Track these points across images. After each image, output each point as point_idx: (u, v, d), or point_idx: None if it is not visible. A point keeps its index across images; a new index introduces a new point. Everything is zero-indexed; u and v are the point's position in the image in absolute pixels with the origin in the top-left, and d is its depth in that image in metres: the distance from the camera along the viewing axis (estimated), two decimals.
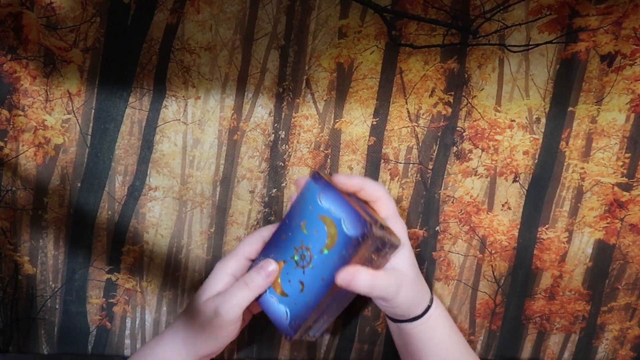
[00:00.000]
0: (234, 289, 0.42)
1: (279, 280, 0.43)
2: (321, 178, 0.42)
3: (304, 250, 0.42)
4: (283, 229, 0.43)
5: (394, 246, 0.41)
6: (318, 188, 0.41)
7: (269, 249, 0.44)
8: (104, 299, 0.54)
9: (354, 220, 0.39)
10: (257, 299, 0.44)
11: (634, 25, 0.48)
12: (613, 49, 0.49)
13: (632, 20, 0.48)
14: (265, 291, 0.43)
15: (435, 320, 0.46)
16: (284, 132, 0.51)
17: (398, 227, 0.43)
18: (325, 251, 0.40)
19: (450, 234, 0.53)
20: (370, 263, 0.40)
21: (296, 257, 0.42)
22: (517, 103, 0.50)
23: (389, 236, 0.40)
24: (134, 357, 0.45)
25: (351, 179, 0.42)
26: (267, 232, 0.44)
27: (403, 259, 0.43)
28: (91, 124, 0.49)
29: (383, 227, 0.40)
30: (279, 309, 0.43)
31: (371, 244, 0.39)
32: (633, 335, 0.57)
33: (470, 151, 0.51)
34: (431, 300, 0.46)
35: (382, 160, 0.51)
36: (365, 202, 0.44)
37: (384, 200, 0.43)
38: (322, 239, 0.41)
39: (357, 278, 0.39)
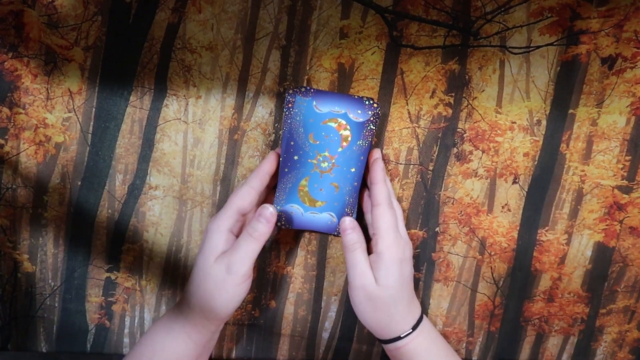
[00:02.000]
0: (240, 243, 0.42)
1: (311, 195, 0.46)
2: (309, 89, 0.45)
3: (323, 157, 0.45)
4: (291, 152, 0.45)
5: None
6: (310, 99, 0.44)
7: (284, 179, 0.46)
8: (103, 298, 0.54)
9: (360, 107, 0.44)
10: (292, 224, 0.47)
11: (635, 28, 0.48)
12: (614, 52, 0.49)
13: (633, 23, 0.48)
14: (302, 212, 0.46)
15: (423, 339, 0.45)
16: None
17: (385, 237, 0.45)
18: (345, 146, 0.44)
19: (450, 235, 0.53)
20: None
21: (319, 166, 0.45)
22: (517, 105, 0.50)
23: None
24: (132, 354, 0.45)
25: (377, 165, 0.46)
26: (255, 180, 0.45)
27: (387, 274, 0.43)
28: (92, 123, 0.49)
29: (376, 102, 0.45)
30: (323, 218, 0.46)
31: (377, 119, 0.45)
32: (632, 338, 0.57)
33: (471, 152, 0.51)
34: (419, 320, 0.45)
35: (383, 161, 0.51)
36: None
37: (383, 209, 0.45)
38: (336, 139, 0.45)
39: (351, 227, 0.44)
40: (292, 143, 0.45)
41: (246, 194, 0.44)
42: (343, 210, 0.47)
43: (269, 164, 0.46)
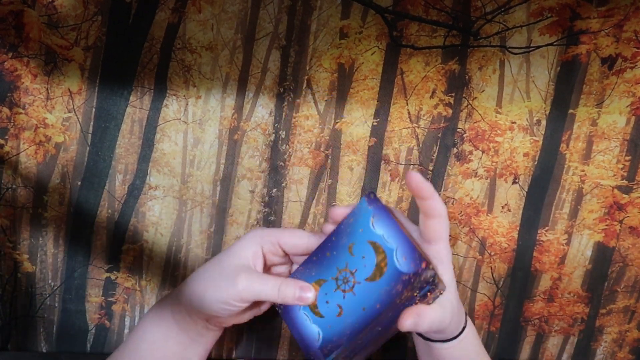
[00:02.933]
0: (264, 279, 0.39)
1: (316, 300, 0.40)
2: (376, 200, 0.38)
3: (348, 274, 0.38)
4: (328, 246, 0.40)
5: (438, 290, 0.37)
6: (372, 211, 0.38)
7: (310, 264, 0.41)
8: (103, 298, 0.54)
9: (409, 255, 0.36)
10: (284, 312, 0.41)
11: (635, 28, 0.48)
12: (614, 52, 0.49)
13: (633, 23, 0.48)
14: (299, 307, 0.40)
15: (467, 340, 0.43)
16: (284, 132, 0.51)
17: (445, 252, 0.39)
18: (371, 281, 0.37)
19: (450, 235, 0.53)
20: (409, 301, 0.36)
21: (339, 280, 0.39)
22: (517, 105, 0.50)
23: (438, 279, 0.36)
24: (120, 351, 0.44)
25: (426, 183, 0.37)
26: (309, 234, 0.41)
27: (451, 283, 0.40)
28: (92, 123, 0.49)
29: (434, 269, 0.36)
30: (311, 329, 0.39)
31: (419, 284, 0.35)
32: (632, 337, 0.57)
33: (471, 152, 0.52)
34: (466, 321, 0.44)
35: (383, 161, 0.51)
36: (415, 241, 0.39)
37: (442, 220, 0.38)
38: (370, 267, 0.37)
39: (420, 320, 0.35)
40: (333, 239, 0.40)
41: (303, 237, 0.41)
42: (330, 340, 0.38)
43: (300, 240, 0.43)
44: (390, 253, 0.37)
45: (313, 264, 0.41)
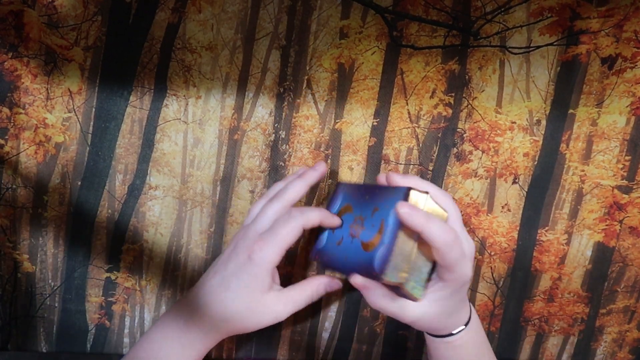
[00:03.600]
0: (297, 296, 0.43)
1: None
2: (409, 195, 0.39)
3: (359, 228, 0.41)
4: (370, 193, 0.42)
5: (409, 297, 0.41)
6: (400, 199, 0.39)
7: (351, 196, 0.44)
8: (103, 298, 0.54)
9: (386, 259, 0.38)
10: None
11: (635, 28, 0.48)
12: (614, 52, 0.49)
13: (633, 23, 0.48)
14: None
15: (468, 338, 0.44)
16: (284, 132, 0.51)
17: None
18: (363, 249, 0.40)
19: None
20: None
21: (354, 223, 0.42)
22: (517, 105, 0.50)
23: (406, 293, 0.40)
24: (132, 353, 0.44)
25: (416, 217, 0.37)
26: (302, 220, 0.41)
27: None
28: (92, 123, 0.49)
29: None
30: (322, 235, 0.44)
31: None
32: (632, 337, 0.57)
33: (471, 152, 0.52)
34: (468, 315, 0.44)
35: (383, 161, 0.51)
36: None
37: (441, 252, 0.39)
38: (370, 236, 0.39)
39: (370, 292, 0.40)
40: (367, 197, 0.42)
41: (297, 234, 0.41)
42: (324, 253, 0.43)
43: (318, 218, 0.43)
44: (381, 245, 0.38)
45: (352, 197, 0.44)
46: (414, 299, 0.40)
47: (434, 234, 0.36)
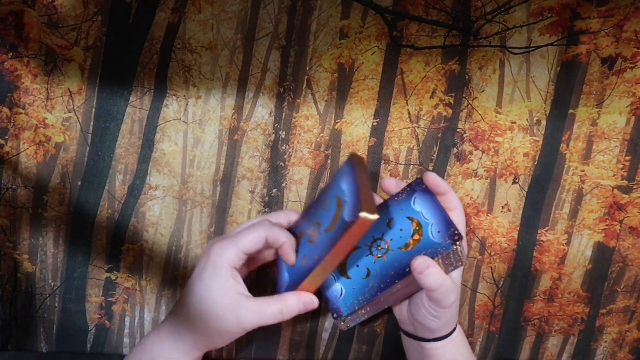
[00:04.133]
0: (264, 306, 0.40)
1: (346, 262, 0.44)
2: (421, 185, 0.44)
3: (383, 242, 0.43)
4: None
5: (460, 263, 0.41)
6: (416, 193, 0.43)
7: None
8: (103, 298, 0.54)
9: (442, 229, 0.41)
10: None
11: (635, 28, 0.48)
12: (614, 52, 0.49)
13: (633, 23, 0.48)
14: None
15: (458, 342, 0.46)
16: (284, 132, 0.51)
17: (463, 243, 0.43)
18: (404, 249, 0.42)
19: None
20: None
21: (373, 247, 0.44)
22: (517, 105, 0.50)
23: (463, 253, 0.41)
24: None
25: (443, 181, 0.44)
26: (268, 231, 0.42)
27: (458, 275, 0.44)
28: (92, 123, 0.49)
29: (460, 244, 0.41)
30: (335, 286, 0.44)
31: (447, 255, 0.40)
32: (632, 338, 0.57)
33: (471, 153, 0.51)
34: (456, 323, 0.46)
35: (383, 161, 0.51)
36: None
37: (459, 212, 0.44)
38: (405, 238, 0.42)
39: (431, 270, 0.39)
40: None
41: (258, 241, 0.41)
42: (352, 297, 0.43)
43: (285, 218, 0.46)
44: (426, 226, 0.42)
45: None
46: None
47: (455, 197, 0.44)
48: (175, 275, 0.54)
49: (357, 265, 0.44)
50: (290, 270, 0.43)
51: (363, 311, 0.43)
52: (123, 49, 0.48)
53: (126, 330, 0.55)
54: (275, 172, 0.51)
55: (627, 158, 0.52)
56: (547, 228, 0.53)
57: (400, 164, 0.51)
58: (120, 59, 0.48)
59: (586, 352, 0.57)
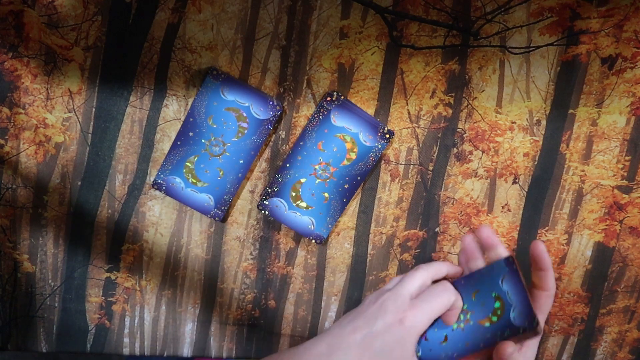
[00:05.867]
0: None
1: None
2: (512, 264, 0.42)
3: (464, 313, 0.42)
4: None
5: (537, 335, 0.41)
6: (506, 270, 0.42)
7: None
8: (103, 298, 0.54)
9: (524, 313, 0.40)
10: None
11: (635, 28, 0.48)
12: (614, 52, 0.49)
13: (633, 23, 0.48)
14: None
15: None
16: (284, 132, 0.51)
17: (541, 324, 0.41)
18: (482, 324, 0.41)
19: (450, 235, 0.53)
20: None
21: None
22: (517, 105, 0.50)
23: (540, 330, 0.41)
24: None
25: (547, 256, 0.41)
26: (456, 296, 0.41)
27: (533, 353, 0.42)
28: (92, 123, 0.49)
29: (540, 328, 0.40)
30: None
31: (523, 335, 0.40)
32: (632, 338, 0.57)
33: (471, 152, 0.51)
34: None
35: (383, 161, 0.51)
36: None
37: (549, 295, 0.41)
38: (486, 313, 0.42)
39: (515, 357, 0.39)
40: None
41: (448, 306, 0.40)
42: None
43: (446, 269, 0.43)
44: (509, 307, 0.41)
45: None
46: None
47: (552, 279, 0.41)
48: (175, 275, 0.54)
49: (436, 330, 0.43)
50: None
51: None
52: (123, 49, 0.48)
53: (126, 330, 0.55)
54: (276, 172, 0.51)
55: (627, 158, 0.52)
56: (547, 228, 0.53)
57: (400, 164, 0.51)
58: (120, 59, 0.48)
59: (586, 352, 0.57)
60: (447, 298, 0.40)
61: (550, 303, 0.42)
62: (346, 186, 0.49)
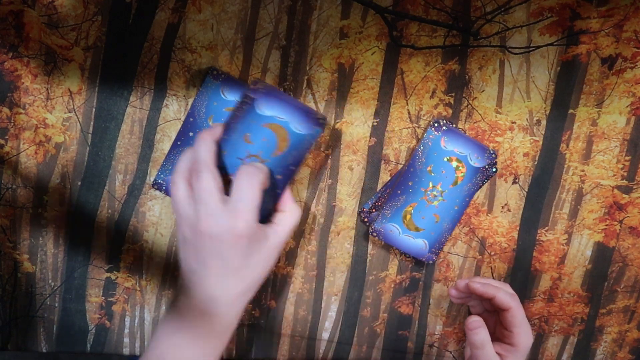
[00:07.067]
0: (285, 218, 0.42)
1: (412, 220, 0.50)
2: (441, 127, 0.48)
3: (434, 189, 0.49)
4: (408, 178, 0.50)
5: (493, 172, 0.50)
6: (440, 135, 0.48)
7: (396, 198, 0.50)
8: (103, 298, 0.54)
9: (480, 153, 0.49)
10: (387, 240, 0.51)
11: (634, 28, 0.48)
12: (614, 52, 0.49)
13: (633, 23, 0.48)
14: (399, 232, 0.51)
15: None
16: None
17: (524, 331, 0.45)
18: (455, 185, 0.49)
19: (449, 235, 0.53)
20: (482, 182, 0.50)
21: (428, 197, 0.50)
22: (517, 105, 0.50)
23: (495, 161, 0.50)
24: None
25: (486, 287, 0.45)
26: (218, 130, 0.41)
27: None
28: (92, 123, 0.49)
29: (496, 154, 0.49)
30: (416, 243, 0.51)
31: (489, 169, 0.49)
32: (632, 337, 0.57)
33: None
34: None
35: (383, 161, 0.51)
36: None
37: (515, 310, 0.45)
38: (451, 176, 0.49)
39: (481, 331, 0.45)
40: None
41: (211, 147, 0.40)
42: (435, 241, 0.51)
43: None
44: (465, 159, 0.48)
45: (398, 197, 0.50)
46: None
47: (505, 296, 0.45)
48: (175, 275, 0.54)
49: (424, 217, 0.49)
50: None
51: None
52: (123, 49, 0.48)
53: (126, 330, 0.55)
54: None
55: (627, 158, 0.52)
56: (547, 228, 0.53)
57: (400, 163, 0.51)
58: (120, 59, 0.48)
59: (586, 352, 0.57)
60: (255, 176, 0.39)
61: (520, 314, 0.45)
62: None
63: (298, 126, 0.42)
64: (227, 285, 0.39)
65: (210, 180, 0.38)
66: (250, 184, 0.38)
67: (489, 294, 0.45)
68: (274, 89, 0.44)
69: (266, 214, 0.42)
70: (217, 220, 0.37)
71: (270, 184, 0.42)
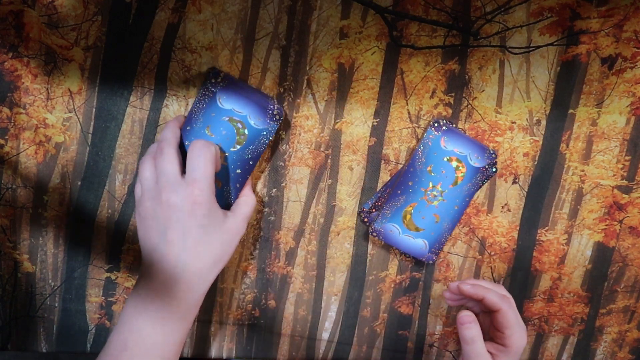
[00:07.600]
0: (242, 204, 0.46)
1: (412, 220, 0.50)
2: (440, 126, 0.48)
3: (434, 189, 0.49)
4: (408, 178, 0.49)
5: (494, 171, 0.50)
6: (440, 135, 0.48)
7: (396, 198, 0.50)
8: (104, 298, 0.54)
9: (481, 154, 0.48)
10: (387, 240, 0.50)
11: (635, 28, 0.48)
12: (614, 52, 0.49)
13: (633, 23, 0.48)
14: (399, 232, 0.50)
15: None
16: (284, 132, 0.51)
17: (517, 332, 0.45)
18: (455, 185, 0.48)
19: (449, 235, 0.53)
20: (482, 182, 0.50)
21: (428, 197, 0.49)
22: (517, 105, 0.50)
23: (496, 161, 0.49)
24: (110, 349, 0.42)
25: (475, 288, 0.46)
26: (183, 119, 0.46)
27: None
28: (92, 123, 0.49)
29: (495, 155, 0.49)
30: (416, 243, 0.51)
31: (490, 169, 0.49)
32: (632, 337, 0.57)
33: None
34: None
35: (383, 161, 0.51)
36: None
37: (505, 311, 0.45)
38: (451, 176, 0.49)
39: (472, 326, 0.45)
40: (411, 169, 0.49)
41: (177, 129, 0.46)
42: (435, 241, 0.51)
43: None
44: (465, 158, 0.48)
45: (398, 197, 0.50)
46: None
47: (495, 297, 0.46)
48: None
49: (424, 217, 0.49)
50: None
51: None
52: (123, 49, 0.48)
53: None
54: (275, 172, 0.51)
55: (627, 158, 0.52)
56: (547, 228, 0.53)
57: (400, 163, 0.51)
58: (120, 59, 0.48)
59: (586, 352, 0.57)
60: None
61: (513, 314, 0.45)
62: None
63: (255, 121, 0.44)
64: (186, 259, 0.42)
65: (171, 155, 0.42)
66: (201, 155, 0.42)
67: (478, 295, 0.45)
68: (237, 81, 0.46)
69: (225, 207, 0.46)
70: (176, 189, 0.41)
71: (229, 177, 0.45)
